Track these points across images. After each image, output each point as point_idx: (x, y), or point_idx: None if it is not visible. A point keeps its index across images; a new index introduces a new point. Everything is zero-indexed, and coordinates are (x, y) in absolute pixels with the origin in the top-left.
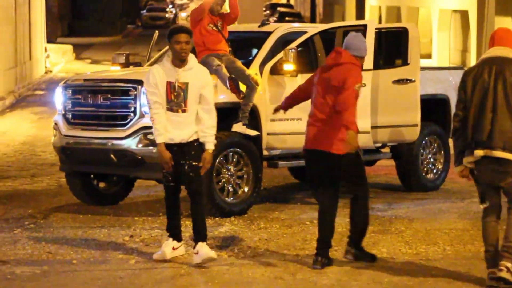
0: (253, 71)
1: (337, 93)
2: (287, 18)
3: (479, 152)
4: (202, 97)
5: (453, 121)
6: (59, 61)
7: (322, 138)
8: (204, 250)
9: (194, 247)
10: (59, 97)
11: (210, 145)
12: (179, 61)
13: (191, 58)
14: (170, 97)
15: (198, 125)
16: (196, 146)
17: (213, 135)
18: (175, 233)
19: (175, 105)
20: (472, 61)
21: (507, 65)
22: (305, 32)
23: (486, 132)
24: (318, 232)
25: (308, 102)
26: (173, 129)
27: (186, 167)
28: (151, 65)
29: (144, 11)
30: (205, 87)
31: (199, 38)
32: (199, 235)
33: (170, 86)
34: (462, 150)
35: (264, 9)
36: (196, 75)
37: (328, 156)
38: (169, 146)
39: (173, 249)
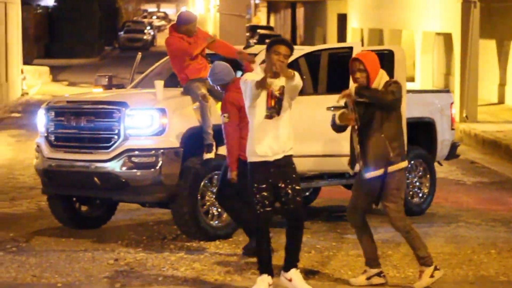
0: None
1: None
2: (267, 40)
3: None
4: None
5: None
6: (35, 83)
7: None
8: (298, 278)
9: (286, 272)
10: (42, 119)
11: None
12: (273, 73)
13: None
14: (270, 103)
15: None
16: (295, 168)
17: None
18: (269, 267)
19: (275, 112)
20: (456, 85)
21: None
22: None
23: None
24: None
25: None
26: (272, 140)
27: (290, 192)
28: (134, 87)
29: (122, 32)
30: (295, 92)
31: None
32: (293, 261)
33: (271, 93)
34: None
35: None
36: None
37: None
38: (264, 167)
39: (269, 285)
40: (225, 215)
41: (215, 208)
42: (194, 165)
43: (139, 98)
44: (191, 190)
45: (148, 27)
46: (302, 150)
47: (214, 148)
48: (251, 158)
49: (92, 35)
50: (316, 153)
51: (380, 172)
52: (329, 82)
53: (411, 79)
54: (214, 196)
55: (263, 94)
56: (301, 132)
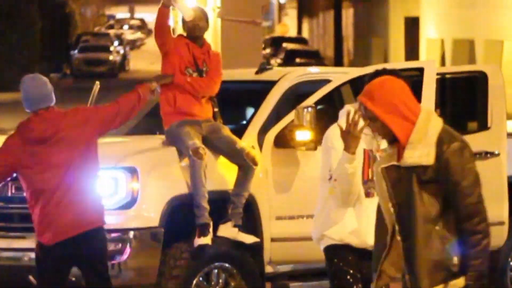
0: (248, 143)
1: None
2: (298, 60)
3: None
4: None
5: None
6: None
7: None
8: None
9: None
10: None
11: None
12: None
13: None
14: (367, 175)
15: None
16: None
17: None
18: None
19: (374, 186)
20: None
21: None
22: (328, 81)
23: None
24: None
25: None
26: (368, 225)
27: None
28: None
29: (76, 51)
30: None
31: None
32: None
33: (369, 157)
34: None
35: (263, 46)
36: None
37: None
38: (350, 252)
39: None
40: None
41: None
42: (181, 254)
43: None
44: None
45: (116, 43)
46: None
47: (210, 229)
48: (328, 241)
49: (29, 56)
50: None
51: None
52: None
53: None
54: None
55: (357, 159)
56: None
